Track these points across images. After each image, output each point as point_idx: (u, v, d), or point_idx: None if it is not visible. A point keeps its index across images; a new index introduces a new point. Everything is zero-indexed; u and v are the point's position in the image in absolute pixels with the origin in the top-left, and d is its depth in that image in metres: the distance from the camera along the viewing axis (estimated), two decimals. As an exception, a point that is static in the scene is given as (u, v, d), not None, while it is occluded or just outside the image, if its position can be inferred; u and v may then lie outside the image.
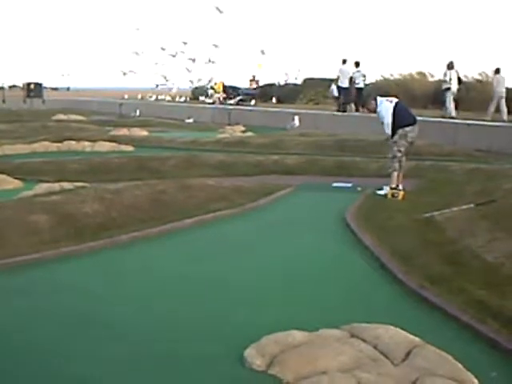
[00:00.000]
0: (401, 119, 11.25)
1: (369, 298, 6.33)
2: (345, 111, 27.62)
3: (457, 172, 13.70)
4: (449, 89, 23.62)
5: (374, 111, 11.48)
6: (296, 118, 25.85)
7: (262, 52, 46.88)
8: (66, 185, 11.17)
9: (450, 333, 5.40)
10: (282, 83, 46.24)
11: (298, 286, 6.68)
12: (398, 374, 4.34)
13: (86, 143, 19.62)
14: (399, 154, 11.38)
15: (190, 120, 33.40)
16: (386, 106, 11.29)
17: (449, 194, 11.19)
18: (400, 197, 11.14)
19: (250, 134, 24.66)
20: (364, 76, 27.69)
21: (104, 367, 4.73)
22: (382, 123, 11.28)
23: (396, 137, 11.31)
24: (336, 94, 29.04)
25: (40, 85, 50.52)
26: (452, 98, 23.66)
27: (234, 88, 43.43)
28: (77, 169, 14.17)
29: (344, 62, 28.01)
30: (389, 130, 11.18)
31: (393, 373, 4.35)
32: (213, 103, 40.25)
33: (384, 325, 5.09)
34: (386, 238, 8.31)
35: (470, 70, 30.40)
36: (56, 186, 11.04)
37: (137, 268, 7.37)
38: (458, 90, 24.04)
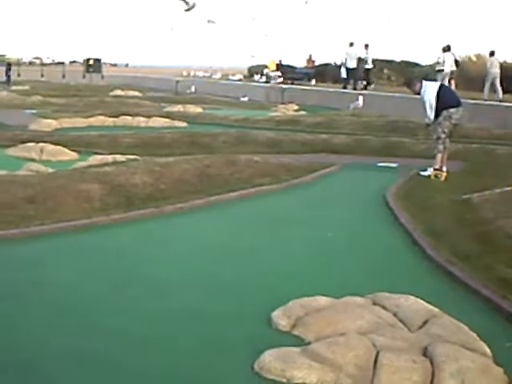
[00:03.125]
0: (445, 101, 11.39)
1: (397, 271, 6.61)
2: (355, 88, 29.77)
3: (503, 155, 13.78)
4: (441, 71, 24.66)
5: (419, 93, 11.64)
6: (360, 97, 25.66)
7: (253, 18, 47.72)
8: (119, 157, 11.66)
9: (470, 306, 5.64)
10: (338, 63, 46.12)
11: (330, 258, 7.01)
12: (412, 338, 4.63)
13: (141, 118, 20.11)
14: (443, 136, 11.53)
15: (245, 98, 33.71)
16: (430, 88, 11.46)
17: (491, 176, 11.35)
18: (442, 178, 11.34)
19: (302, 113, 24.88)
20: (371, 58, 30.41)
21: (142, 321, 5.14)
22: (425, 106, 11.43)
23: (440, 118, 11.46)
24: (344, 75, 30.91)
25: (99, 60, 51.43)
26: (447, 79, 24.45)
27: (290, 67, 43.51)
28: (130, 143, 14.65)
29: (351, 44, 30.35)
30: (431, 112, 11.32)
31: (407, 338, 4.64)
32: (267, 82, 40.39)
33: (406, 295, 5.39)
34: (422, 216, 8.55)
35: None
36: (109, 158, 11.55)
37: (179, 235, 7.81)
38: (452, 72, 24.98)
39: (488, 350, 4.59)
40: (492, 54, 25.30)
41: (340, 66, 32.15)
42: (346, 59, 30.37)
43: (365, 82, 31.17)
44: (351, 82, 30.71)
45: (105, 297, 5.67)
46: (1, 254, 6.78)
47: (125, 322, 5.11)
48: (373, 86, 31.39)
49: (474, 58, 33.61)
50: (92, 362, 4.42)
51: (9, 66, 46.42)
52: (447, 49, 24.90)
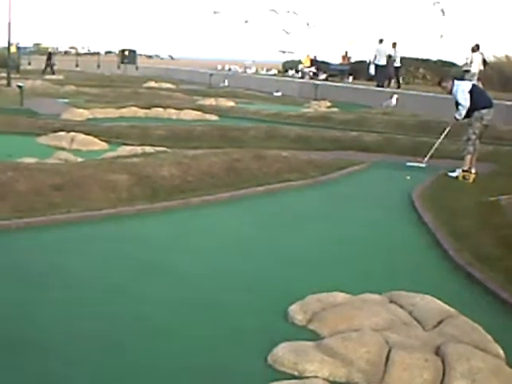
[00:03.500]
0: (477, 101, 11.36)
1: (417, 271, 6.66)
2: (382, 86, 30.24)
3: (535, 158, 13.64)
4: (468, 71, 24.91)
5: (450, 92, 11.62)
6: (394, 96, 25.41)
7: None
8: (148, 148, 11.77)
9: (487, 308, 5.68)
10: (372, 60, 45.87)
11: (351, 255, 7.06)
12: (425, 337, 4.67)
13: (173, 111, 20.20)
14: (474, 137, 11.49)
15: (278, 93, 33.67)
16: (463, 87, 11.44)
17: (521, 179, 11.25)
18: (470, 179, 11.29)
19: (334, 109, 24.82)
20: (399, 56, 30.62)
21: (161, 310, 5.26)
22: (457, 105, 11.40)
23: (472, 119, 11.44)
24: (373, 72, 31.08)
25: (134, 52, 51.70)
26: (475, 79, 24.22)
27: (325, 63, 43.42)
28: (160, 134, 14.75)
29: (381, 41, 30.56)
30: (464, 110, 11.28)
31: (420, 336, 4.68)
32: (302, 78, 40.34)
33: (423, 294, 5.42)
34: (447, 217, 8.52)
35: None
36: (138, 149, 11.66)
37: (204, 227, 7.92)
38: (480, 71, 25.13)
39: (501, 352, 4.62)
40: None
41: (369, 63, 32.21)
42: (375, 56, 30.54)
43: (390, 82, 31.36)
44: (383, 79, 30.76)
45: (126, 285, 5.79)
46: (27, 240, 6.94)
47: (144, 310, 5.23)
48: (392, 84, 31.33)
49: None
50: (110, 347, 4.54)
51: (49, 55, 46.95)
52: (476, 48, 25.03)
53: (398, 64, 30.81)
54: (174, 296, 5.56)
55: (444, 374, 4.21)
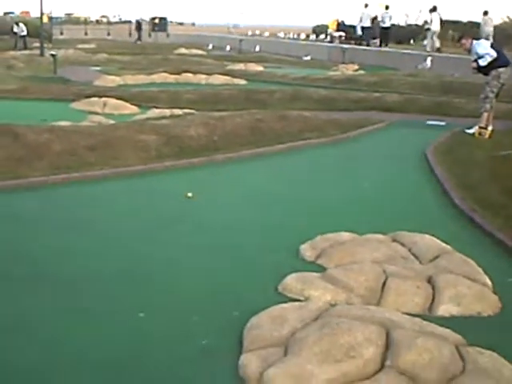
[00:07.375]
0: (496, 59, 11.67)
1: (422, 217, 7.13)
2: (368, 44, 33.69)
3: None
4: (429, 29, 28.41)
5: (469, 50, 11.97)
6: (428, 59, 25.62)
7: None
8: (176, 111, 12.31)
9: (484, 247, 6.17)
10: (403, 24, 45.87)
11: (363, 204, 7.60)
12: (420, 269, 5.20)
13: (202, 76, 20.75)
14: (491, 95, 11.82)
15: (308, 57, 33.96)
16: (484, 44, 11.78)
17: (536, 135, 11.57)
18: (486, 136, 11.65)
19: (361, 72, 25.09)
20: (390, 17, 32.85)
21: (184, 252, 5.86)
22: (476, 60, 11.67)
23: (489, 77, 11.77)
24: (360, 32, 34.43)
25: (165, 19, 52.23)
26: (435, 36, 28.31)
27: (354, 27, 43.37)
28: (189, 98, 15.27)
29: (366, 5, 33.52)
30: (490, 58, 11.53)
31: (415, 268, 5.21)
32: (331, 42, 40.48)
33: (423, 234, 5.93)
34: (458, 170, 8.97)
35: None
36: (166, 112, 12.21)
37: (226, 181, 8.52)
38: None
39: (489, 282, 5.13)
40: (485, 13, 28.56)
41: (361, 27, 34.37)
42: (361, 18, 33.31)
43: (376, 40, 33.87)
44: (369, 39, 33.80)
45: (155, 232, 6.39)
46: (63, 194, 7.59)
47: (172, 253, 5.83)
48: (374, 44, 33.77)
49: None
50: (138, 284, 5.14)
51: (139, 24, 47.79)
52: (433, 9, 27.96)
53: (387, 25, 32.64)
54: (199, 241, 6.13)
55: (434, 299, 4.75)
